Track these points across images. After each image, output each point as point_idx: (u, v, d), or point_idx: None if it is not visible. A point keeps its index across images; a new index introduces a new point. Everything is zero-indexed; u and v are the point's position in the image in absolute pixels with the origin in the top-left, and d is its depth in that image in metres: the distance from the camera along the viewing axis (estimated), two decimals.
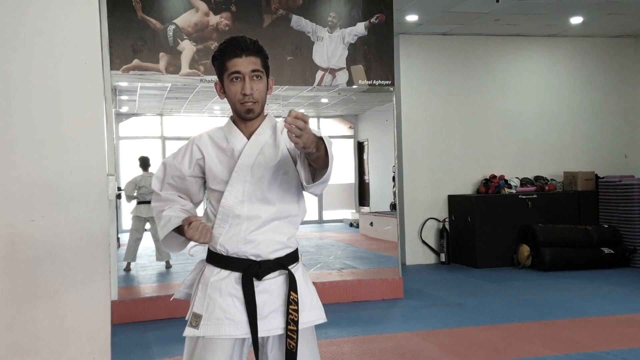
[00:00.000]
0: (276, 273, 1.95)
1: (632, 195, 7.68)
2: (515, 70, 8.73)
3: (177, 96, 7.13)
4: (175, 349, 4.43)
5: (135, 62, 5.35)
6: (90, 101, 3.91)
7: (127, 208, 7.56)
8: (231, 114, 2.01)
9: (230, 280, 1.92)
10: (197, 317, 1.91)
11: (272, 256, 1.94)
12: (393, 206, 8.20)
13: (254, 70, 1.91)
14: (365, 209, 9.99)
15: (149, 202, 7.45)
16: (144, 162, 7.56)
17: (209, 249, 1.98)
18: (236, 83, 1.91)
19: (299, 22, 5.84)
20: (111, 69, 5.24)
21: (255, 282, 1.91)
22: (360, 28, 6.01)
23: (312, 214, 10.77)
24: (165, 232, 1.96)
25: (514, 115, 8.67)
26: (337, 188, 10.50)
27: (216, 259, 1.96)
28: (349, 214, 10.80)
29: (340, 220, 10.94)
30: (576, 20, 7.84)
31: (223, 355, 1.90)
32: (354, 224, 10.25)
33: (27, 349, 3.63)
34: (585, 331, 4.71)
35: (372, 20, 6.03)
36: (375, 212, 9.31)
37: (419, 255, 8.30)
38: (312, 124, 9.53)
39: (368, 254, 8.26)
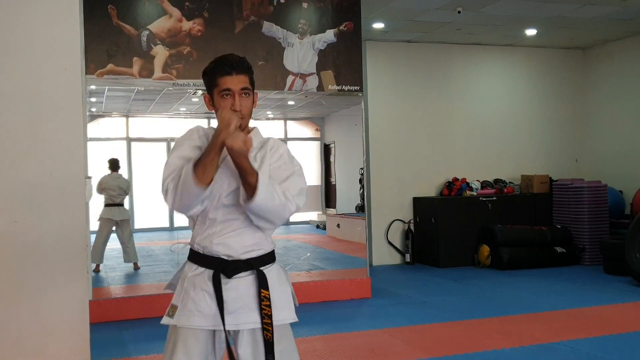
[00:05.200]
0: (247, 272, 2.08)
1: (582, 198, 8.10)
2: (475, 77, 9.08)
3: (144, 98, 7.17)
4: (150, 347, 4.53)
5: (110, 66, 5.44)
6: (70, 107, 4.01)
7: (94, 210, 7.53)
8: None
9: (204, 277, 2.07)
10: (174, 308, 2.09)
11: (244, 257, 2.08)
12: (359, 208, 8.42)
13: (243, 88, 2.07)
14: (331, 211, 10.15)
15: (116, 205, 7.45)
16: (114, 164, 7.54)
17: (191, 248, 2.14)
18: (227, 99, 2.06)
19: (270, 28, 6.01)
20: (86, 73, 5.31)
21: (224, 280, 2.06)
22: (330, 35, 6.21)
23: None
24: (190, 169, 1.96)
25: (475, 120, 9.02)
26: None
27: (194, 256, 2.12)
28: (315, 215, 10.94)
29: (307, 222, 11.06)
30: (531, 32, 8.27)
31: (196, 345, 2.05)
32: (320, 226, 10.39)
33: (11, 345, 3.72)
34: (539, 324, 5.03)
35: (341, 27, 6.24)
36: (342, 214, 9.49)
37: (385, 255, 8.55)
38: (279, 126, 9.59)
39: (335, 255, 8.45)
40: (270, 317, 2.04)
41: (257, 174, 1.96)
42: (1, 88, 3.81)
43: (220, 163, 2.03)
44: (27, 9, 3.86)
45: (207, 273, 2.07)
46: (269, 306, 2.05)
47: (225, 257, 2.06)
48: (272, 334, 2.04)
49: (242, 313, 2.05)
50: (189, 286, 2.08)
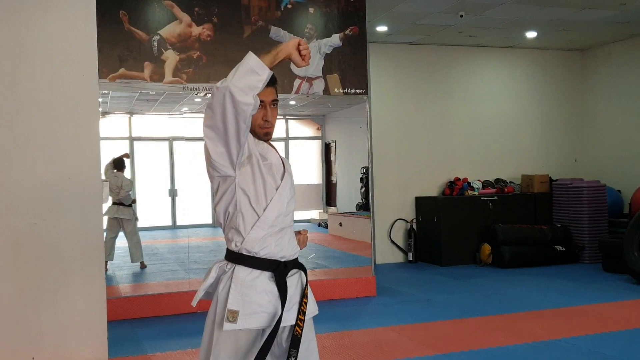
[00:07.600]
0: (295, 271, 2.28)
1: (581, 197, 8.25)
2: (477, 78, 9.21)
3: (148, 98, 7.28)
4: (165, 345, 4.67)
5: (122, 71, 5.56)
6: (87, 112, 4.15)
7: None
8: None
9: (264, 279, 2.19)
10: (234, 313, 2.13)
11: (293, 257, 2.28)
12: (360, 207, 8.55)
13: (273, 100, 2.24)
14: (332, 209, 10.25)
15: (121, 204, 7.55)
16: (119, 163, 7.62)
17: (241, 252, 2.20)
18: (259, 110, 2.20)
19: (277, 33, 6.13)
20: (99, 77, 5.42)
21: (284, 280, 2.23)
22: (336, 39, 6.35)
23: None
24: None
25: (476, 121, 9.15)
26: (304, 188, 10.72)
27: (249, 261, 2.20)
28: (316, 214, 11.03)
29: (308, 221, 11.16)
30: (531, 34, 8.40)
31: (252, 342, 2.19)
32: (322, 224, 10.49)
33: (31, 343, 3.86)
34: (541, 322, 5.18)
35: (347, 32, 6.38)
36: (345, 213, 9.60)
37: (388, 254, 8.70)
38: (280, 124, 9.74)
39: (339, 254, 8.57)
40: (304, 313, 2.22)
41: None
42: (21, 93, 3.94)
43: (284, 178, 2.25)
44: (46, 18, 3.99)
45: (266, 274, 2.19)
46: (307, 303, 2.24)
47: (281, 259, 2.22)
48: (302, 329, 2.20)
49: (294, 309, 2.22)
50: (250, 290, 2.16)
